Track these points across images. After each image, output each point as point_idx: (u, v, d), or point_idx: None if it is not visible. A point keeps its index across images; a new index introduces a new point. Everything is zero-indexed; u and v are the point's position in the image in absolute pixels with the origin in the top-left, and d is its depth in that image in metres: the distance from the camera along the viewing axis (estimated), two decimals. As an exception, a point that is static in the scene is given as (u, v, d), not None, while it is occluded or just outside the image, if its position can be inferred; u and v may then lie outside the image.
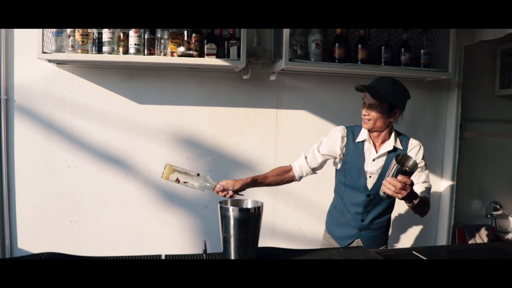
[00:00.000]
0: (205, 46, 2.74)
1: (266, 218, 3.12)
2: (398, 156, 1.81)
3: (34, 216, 2.93)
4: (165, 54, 2.73)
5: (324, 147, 2.27)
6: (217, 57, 2.74)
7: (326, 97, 3.17)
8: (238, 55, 2.74)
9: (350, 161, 2.25)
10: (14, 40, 2.83)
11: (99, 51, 2.69)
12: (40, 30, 2.55)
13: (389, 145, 2.21)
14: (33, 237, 2.94)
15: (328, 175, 3.14)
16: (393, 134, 2.24)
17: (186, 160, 3.00)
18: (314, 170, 2.32)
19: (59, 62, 2.81)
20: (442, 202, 3.38)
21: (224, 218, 1.63)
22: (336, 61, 2.92)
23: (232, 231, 1.62)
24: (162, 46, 2.73)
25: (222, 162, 3.06)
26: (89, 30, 2.66)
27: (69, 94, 2.90)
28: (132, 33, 2.67)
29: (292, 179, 2.33)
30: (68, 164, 2.92)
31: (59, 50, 2.63)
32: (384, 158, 2.21)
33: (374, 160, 2.21)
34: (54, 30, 2.61)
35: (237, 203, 1.78)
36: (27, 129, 2.88)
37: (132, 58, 2.68)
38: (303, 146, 3.10)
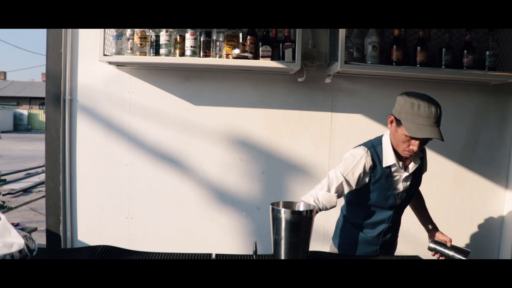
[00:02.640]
0: (260, 48, 2.74)
1: (318, 222, 3.09)
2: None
3: (93, 211, 3.06)
4: (220, 56, 2.76)
5: (354, 179, 2.00)
6: (272, 59, 2.74)
7: (383, 101, 3.08)
8: (293, 58, 2.73)
9: (378, 183, 2.05)
10: (79, 44, 2.97)
11: (157, 53, 2.76)
12: (102, 34, 2.66)
13: (416, 160, 2.07)
14: (92, 230, 3.07)
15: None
16: None
17: (240, 162, 3.02)
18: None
19: (118, 64, 2.91)
20: (506, 214, 3.20)
21: (276, 220, 1.61)
22: (394, 63, 2.83)
23: (283, 233, 1.60)
24: (218, 48, 2.76)
25: (276, 164, 3.05)
26: (147, 33, 2.73)
27: (127, 95, 3.00)
28: (188, 35, 2.72)
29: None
30: (125, 163, 3.02)
31: (118, 52, 2.73)
32: (411, 175, 2.09)
33: (405, 178, 2.07)
34: (114, 33, 2.71)
35: (289, 206, 1.75)
36: (88, 128, 3.01)
37: (188, 60, 2.73)
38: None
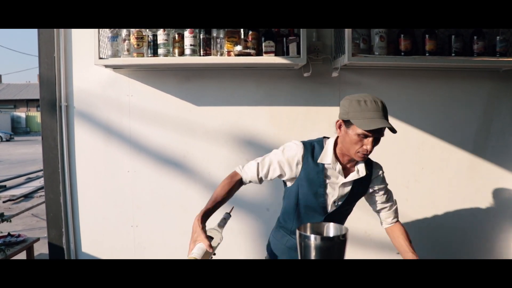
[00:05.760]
0: (263, 44, 2.63)
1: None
2: None
3: (96, 221, 2.96)
4: (221, 54, 2.64)
5: (276, 171, 1.95)
6: (275, 55, 2.63)
7: (392, 93, 2.97)
8: (298, 52, 2.61)
9: (307, 177, 1.94)
10: (72, 48, 2.85)
11: (155, 53, 2.64)
12: (96, 36, 2.55)
13: (361, 170, 1.93)
14: (96, 241, 2.97)
15: (396, 175, 2.99)
16: None
17: (246, 162, 2.90)
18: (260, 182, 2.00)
19: (115, 67, 2.79)
20: (523, 204, 3.10)
21: (305, 247, 1.45)
22: (402, 54, 2.73)
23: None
24: (219, 45, 2.64)
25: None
26: (144, 33, 2.62)
27: (126, 98, 2.89)
28: (187, 33, 2.60)
29: (239, 185, 2.00)
30: (127, 169, 2.91)
31: (115, 55, 2.61)
32: (351, 182, 1.94)
33: (342, 184, 1.93)
34: (110, 34, 2.59)
35: (317, 228, 1.59)
36: (86, 134, 2.90)
37: (188, 59, 2.61)
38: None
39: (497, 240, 3.12)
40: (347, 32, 2.56)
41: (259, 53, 2.64)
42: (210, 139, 2.92)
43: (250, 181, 1.99)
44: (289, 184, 2.01)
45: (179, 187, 2.94)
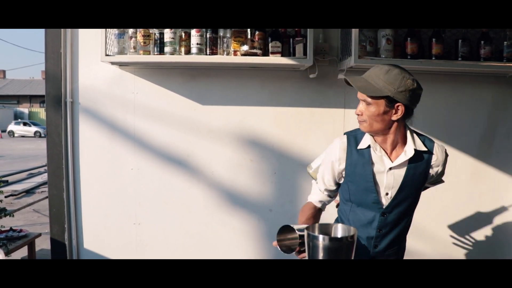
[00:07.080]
0: (270, 44, 2.63)
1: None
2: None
3: (99, 218, 2.96)
4: (228, 53, 2.64)
5: (329, 177, 1.86)
6: (282, 56, 2.62)
7: (397, 96, 2.97)
8: (304, 53, 2.61)
9: (353, 173, 1.78)
10: (79, 44, 2.86)
11: (161, 51, 2.64)
12: (103, 33, 2.55)
13: (409, 150, 1.72)
14: (98, 238, 2.97)
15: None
16: (409, 135, 1.75)
17: (250, 163, 2.91)
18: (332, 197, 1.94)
19: (121, 64, 2.80)
20: (527, 209, 3.09)
21: (314, 248, 1.43)
22: (409, 57, 2.73)
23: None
24: (225, 45, 2.64)
25: (288, 164, 2.93)
26: (151, 31, 2.62)
27: (131, 95, 2.89)
28: (194, 32, 2.60)
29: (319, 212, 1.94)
30: (131, 167, 2.91)
31: (121, 52, 2.61)
32: (404, 168, 1.74)
33: (390, 169, 1.73)
34: (116, 32, 2.60)
35: (325, 228, 1.57)
36: (91, 131, 2.90)
37: (194, 58, 2.61)
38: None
39: (500, 245, 3.12)
40: (354, 34, 2.56)
41: (265, 53, 2.65)
42: (214, 139, 2.92)
43: (322, 202, 1.93)
44: (341, 180, 1.87)
45: (182, 185, 2.94)
